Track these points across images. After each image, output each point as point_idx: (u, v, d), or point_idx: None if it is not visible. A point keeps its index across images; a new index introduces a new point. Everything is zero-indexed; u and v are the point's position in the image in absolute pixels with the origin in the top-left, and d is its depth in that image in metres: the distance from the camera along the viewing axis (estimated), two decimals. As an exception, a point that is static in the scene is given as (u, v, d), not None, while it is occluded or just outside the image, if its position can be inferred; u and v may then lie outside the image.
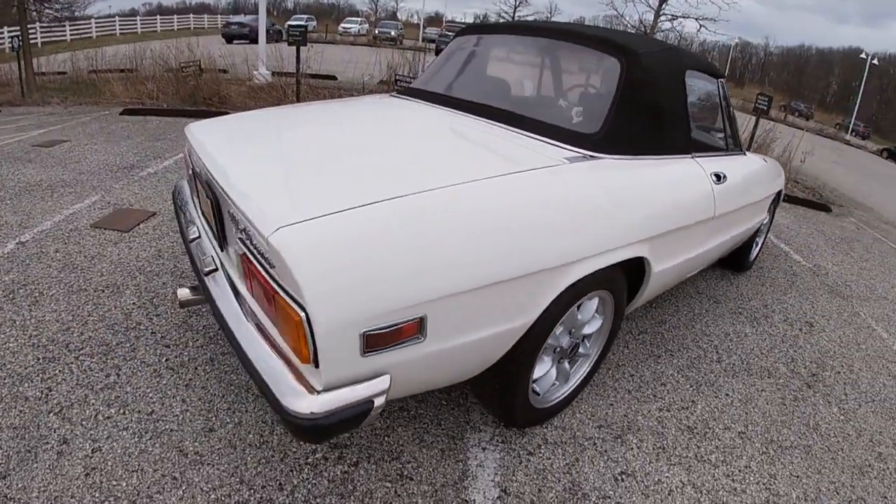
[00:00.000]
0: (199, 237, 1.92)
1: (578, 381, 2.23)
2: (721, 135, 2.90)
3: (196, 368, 2.15)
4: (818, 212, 8.27)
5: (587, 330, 2.11)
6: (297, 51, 7.27)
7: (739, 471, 2.25)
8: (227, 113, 6.48)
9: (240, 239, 1.41)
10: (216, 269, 1.68)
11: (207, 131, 2.00)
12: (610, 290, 1.98)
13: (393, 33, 27.73)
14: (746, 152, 3.40)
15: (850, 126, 35.11)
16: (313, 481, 1.70)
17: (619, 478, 2.02)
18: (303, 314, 1.16)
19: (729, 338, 3.43)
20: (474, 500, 1.75)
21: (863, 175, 16.19)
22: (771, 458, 2.39)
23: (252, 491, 1.65)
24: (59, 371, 2.04)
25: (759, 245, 4.69)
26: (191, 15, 35.18)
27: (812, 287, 4.83)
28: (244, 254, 1.38)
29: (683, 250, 2.38)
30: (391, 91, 7.38)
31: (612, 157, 1.92)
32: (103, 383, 2.01)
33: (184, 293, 1.78)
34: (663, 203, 2.13)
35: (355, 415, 1.24)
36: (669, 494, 2.01)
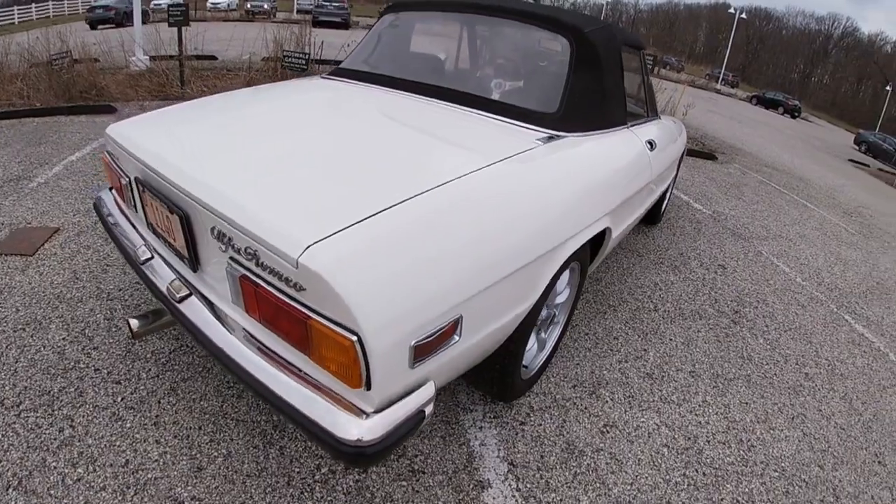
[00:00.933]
0: (152, 258, 1.76)
1: (551, 348, 2.43)
2: (643, 102, 3.20)
3: (159, 402, 1.98)
4: (706, 161, 9.23)
5: (560, 299, 2.30)
6: (179, 32, 6.80)
7: (699, 405, 2.58)
8: (109, 106, 6.00)
9: (234, 260, 1.34)
10: (190, 294, 1.58)
11: (145, 133, 1.81)
12: (579, 261, 2.17)
13: (266, 6, 26.51)
14: (661, 116, 3.77)
15: (721, 76, 38.86)
16: (328, 498, 1.70)
17: (605, 430, 2.25)
18: (354, 338, 1.12)
19: (658, 287, 3.82)
20: (488, 479, 1.88)
21: (738, 122, 18.16)
22: (721, 391, 2.76)
23: (265, 521, 1.64)
24: (2, 435, 1.81)
25: (668, 199, 5.19)
26: (49, 2, 31.48)
27: (716, 232, 5.46)
28: (244, 276, 1.31)
29: (631, 214, 2.65)
30: (280, 66, 7.18)
31: (573, 135, 2.07)
32: (59, 440, 1.80)
33: (136, 324, 1.65)
34: (622, 175, 2.38)
35: (410, 429, 1.24)
36: (649, 437, 2.27)
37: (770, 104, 33.72)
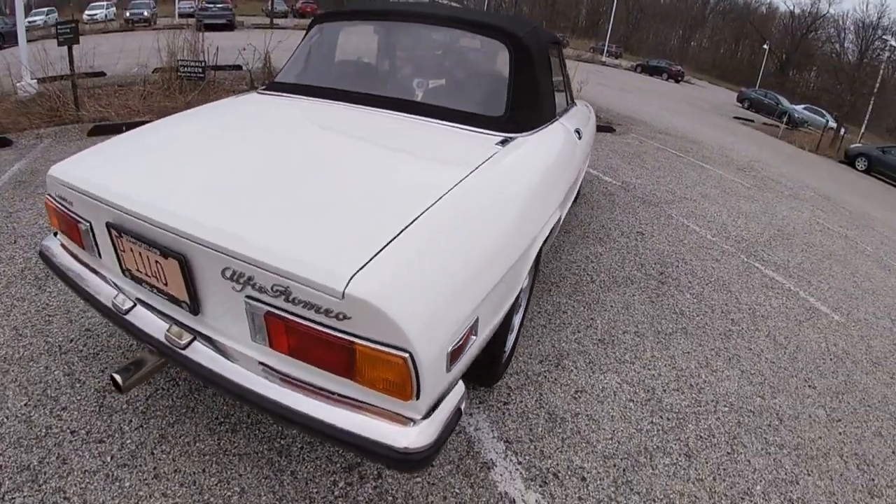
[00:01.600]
0: (135, 306, 1.70)
1: (517, 330, 2.69)
2: (563, 93, 3.54)
3: (153, 453, 1.95)
4: (605, 133, 9.96)
5: (525, 283, 2.57)
6: (70, 51, 6.42)
7: (649, 361, 2.96)
8: (3, 139, 5.51)
9: (253, 298, 1.37)
10: (193, 339, 1.57)
11: (106, 173, 1.73)
12: (540, 247, 2.45)
13: (146, 13, 25.14)
14: (576, 101, 4.14)
15: (605, 49, 41.22)
16: None
17: (577, 396, 2.55)
18: (406, 355, 1.22)
19: (590, 260, 4.22)
20: (491, 459, 2.11)
21: (627, 92, 19.55)
22: (664, 345, 3.15)
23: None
24: (-8, 527, 1.66)
25: (582, 175, 5.66)
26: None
27: (628, 202, 6.01)
28: (269, 313, 1.36)
29: (570, 198, 2.98)
30: (179, 76, 6.90)
31: (520, 136, 2.27)
32: (56, 517, 1.70)
33: (122, 378, 1.60)
34: (564, 166, 2.69)
35: (453, 426, 1.36)
36: (615, 395, 2.60)
37: (654, 71, 36.31)
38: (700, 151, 10.24)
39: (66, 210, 1.80)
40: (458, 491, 1.90)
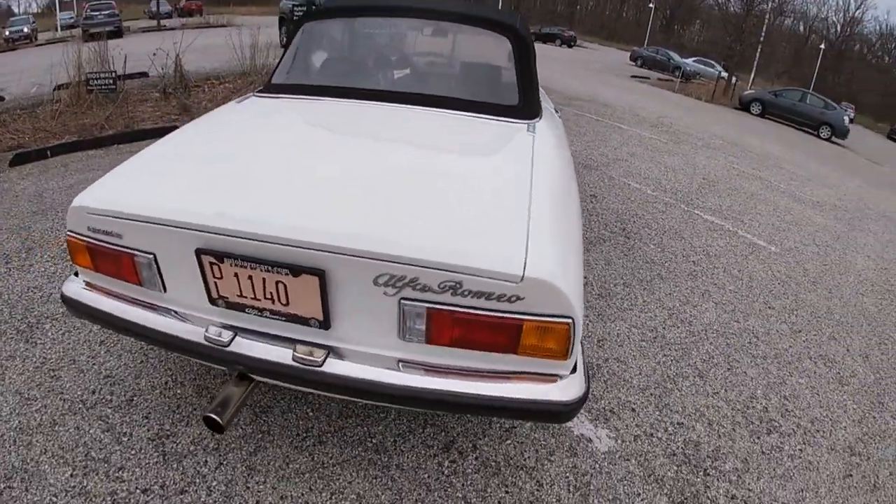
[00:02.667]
0: (236, 336, 1.63)
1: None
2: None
3: (248, 487, 1.88)
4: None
5: None
6: None
7: (643, 306, 3.48)
8: None
9: (411, 299, 1.45)
10: (328, 353, 1.57)
11: (171, 195, 1.66)
12: None
13: (26, 29, 23.21)
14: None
15: None
16: (466, 481, 1.97)
17: (601, 344, 3.01)
18: (570, 321, 1.40)
19: (558, 229, 4.70)
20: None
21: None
22: (650, 291, 3.69)
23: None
24: None
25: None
26: None
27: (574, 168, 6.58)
28: (432, 310, 1.45)
29: None
30: (87, 91, 6.55)
31: (536, 121, 2.45)
32: None
33: (220, 416, 1.53)
34: (567, 143, 3.01)
35: (588, 374, 1.59)
36: (628, 338, 3.09)
37: (548, 38, 37.84)
38: (613, 113, 11.10)
39: (110, 245, 1.65)
40: (544, 443, 2.22)
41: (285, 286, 1.52)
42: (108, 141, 5.44)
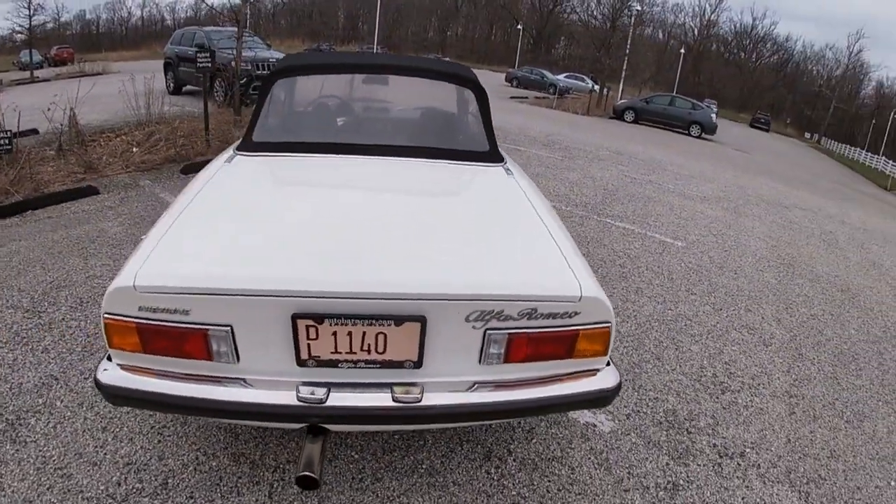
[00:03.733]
0: (329, 391, 1.70)
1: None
2: None
3: None
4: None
5: None
6: None
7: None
8: None
9: (494, 328, 1.69)
10: (422, 390, 1.73)
11: (251, 265, 1.74)
12: None
13: None
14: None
15: (374, 50, 43.67)
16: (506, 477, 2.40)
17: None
18: (610, 324, 1.75)
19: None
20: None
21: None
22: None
23: None
24: None
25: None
26: None
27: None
28: (512, 335, 1.71)
29: None
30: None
31: (505, 164, 2.82)
32: None
33: (315, 470, 1.62)
34: None
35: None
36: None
37: None
38: (507, 136, 11.97)
39: (170, 323, 1.64)
40: (561, 435, 2.57)
41: (385, 336, 1.67)
42: (17, 208, 5.02)
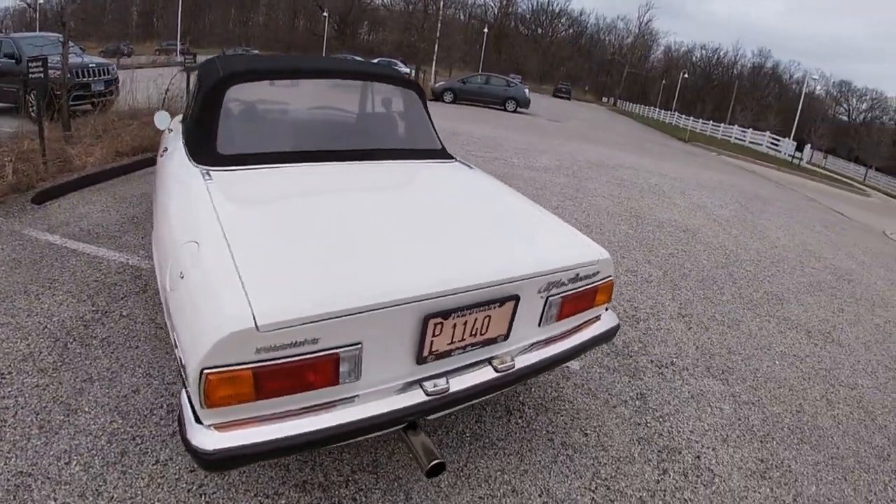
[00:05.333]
0: (447, 379, 1.89)
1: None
2: None
3: None
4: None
5: None
6: None
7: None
8: None
9: (552, 295, 2.08)
10: (512, 357, 2.06)
11: (379, 281, 1.77)
12: None
13: None
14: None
15: (178, 47, 40.74)
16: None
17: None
18: (612, 277, 2.29)
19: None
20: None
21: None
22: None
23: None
24: None
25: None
26: None
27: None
28: (564, 297, 2.12)
29: None
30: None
31: (457, 160, 3.17)
32: None
33: (438, 456, 1.79)
34: None
35: None
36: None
37: None
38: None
39: (301, 356, 1.61)
40: (547, 380, 3.16)
41: (489, 318, 1.92)
42: None
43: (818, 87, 57.13)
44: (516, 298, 1.95)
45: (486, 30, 46.98)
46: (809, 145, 28.97)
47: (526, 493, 2.16)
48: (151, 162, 5.74)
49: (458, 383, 1.89)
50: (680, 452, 2.56)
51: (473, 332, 1.91)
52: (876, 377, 3.75)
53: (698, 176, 12.42)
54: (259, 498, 2.02)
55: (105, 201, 4.80)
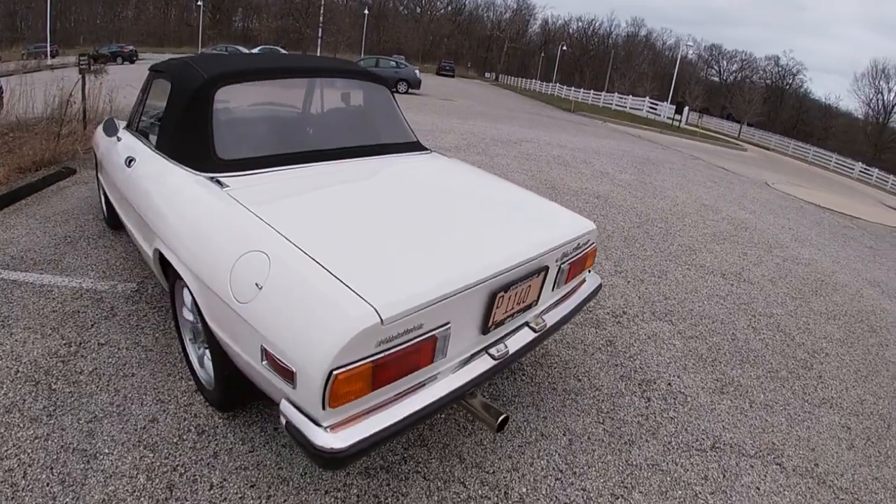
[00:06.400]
0: (504, 343, 2.19)
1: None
2: None
3: None
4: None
5: None
6: None
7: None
8: None
9: (563, 261, 2.42)
10: (541, 316, 2.41)
11: (452, 266, 1.99)
12: None
13: None
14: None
15: (48, 50, 37.32)
16: None
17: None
18: (595, 244, 2.69)
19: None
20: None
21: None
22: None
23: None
24: None
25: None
26: None
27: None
28: (572, 263, 2.48)
29: None
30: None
31: (433, 150, 3.40)
32: None
33: (499, 409, 2.06)
34: None
35: None
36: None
37: (110, 59, 35.02)
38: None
39: (409, 343, 1.76)
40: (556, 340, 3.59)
41: (530, 287, 2.25)
42: None
43: (690, 52, 61.36)
44: (546, 269, 2.30)
45: (366, 11, 46.97)
46: (687, 107, 31.25)
47: (552, 435, 2.52)
48: (62, 176, 5.56)
49: (513, 345, 2.19)
50: (655, 382, 3.04)
51: (519, 301, 2.21)
52: (786, 306, 4.45)
53: (592, 144, 13.34)
54: (331, 493, 2.07)
55: (27, 224, 4.30)
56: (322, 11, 29.32)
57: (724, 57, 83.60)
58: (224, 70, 2.80)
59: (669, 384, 3.04)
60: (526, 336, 2.27)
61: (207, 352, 2.35)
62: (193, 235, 2.23)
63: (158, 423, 2.32)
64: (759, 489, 2.38)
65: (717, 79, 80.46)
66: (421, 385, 1.87)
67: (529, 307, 2.32)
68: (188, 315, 2.50)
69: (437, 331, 1.82)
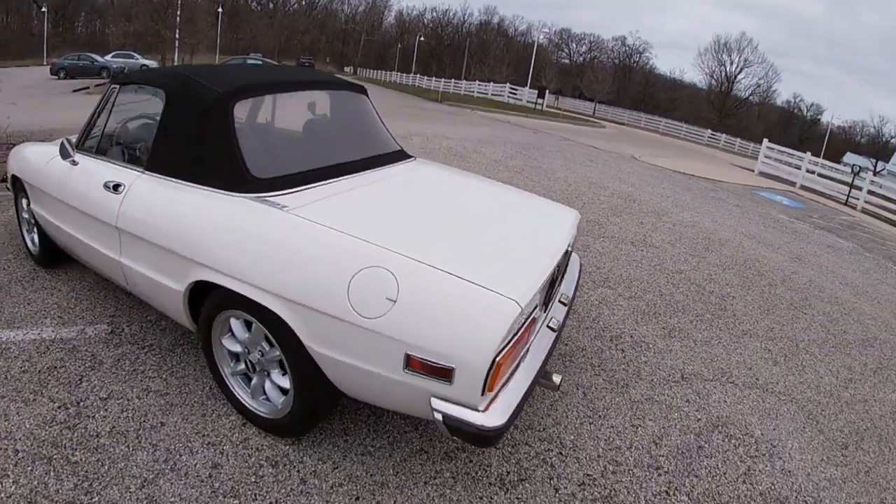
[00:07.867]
0: (559, 319, 2.57)
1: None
2: None
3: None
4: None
5: None
6: None
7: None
8: None
9: (568, 252, 2.80)
10: (569, 297, 2.77)
11: (530, 259, 2.30)
12: None
13: None
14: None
15: None
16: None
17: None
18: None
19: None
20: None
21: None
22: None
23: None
24: None
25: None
26: None
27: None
28: (568, 253, 2.82)
29: None
30: None
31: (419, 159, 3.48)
32: None
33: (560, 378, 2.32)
34: None
35: None
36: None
37: None
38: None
39: (525, 321, 2.10)
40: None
41: (567, 265, 2.88)
42: None
43: (541, 37, 64.39)
44: (568, 254, 2.83)
45: (219, 10, 45.11)
46: (547, 91, 33.10)
47: (570, 392, 2.88)
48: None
49: (559, 316, 2.59)
50: (621, 336, 3.66)
51: (559, 281, 2.70)
52: (689, 263, 5.32)
53: (471, 133, 13.97)
54: (429, 484, 2.24)
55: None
56: (179, 13, 27.92)
57: (574, 40, 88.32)
58: (239, 84, 2.70)
59: (632, 336, 3.67)
60: (562, 309, 2.68)
61: (268, 380, 2.37)
62: (280, 261, 2.13)
63: (223, 468, 2.18)
64: (727, 402, 3.07)
65: (567, 61, 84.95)
66: (522, 358, 2.18)
67: (554, 285, 2.60)
68: (233, 346, 2.42)
69: (534, 310, 2.18)
